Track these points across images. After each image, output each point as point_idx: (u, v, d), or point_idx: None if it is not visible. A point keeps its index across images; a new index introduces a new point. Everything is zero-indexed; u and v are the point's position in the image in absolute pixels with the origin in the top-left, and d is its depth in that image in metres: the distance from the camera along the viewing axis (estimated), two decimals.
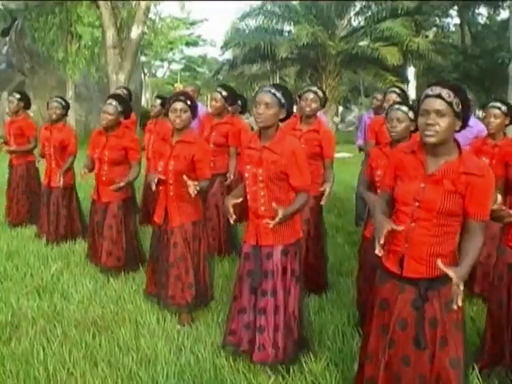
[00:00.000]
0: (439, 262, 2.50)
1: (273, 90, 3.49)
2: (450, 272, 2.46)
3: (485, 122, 4.87)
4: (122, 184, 5.24)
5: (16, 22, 22.61)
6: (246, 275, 3.70)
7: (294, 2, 26.58)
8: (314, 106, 4.95)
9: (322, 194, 4.90)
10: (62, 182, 6.45)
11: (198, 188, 4.11)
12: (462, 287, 2.44)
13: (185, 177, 4.15)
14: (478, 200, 2.60)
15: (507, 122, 4.73)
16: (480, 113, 26.68)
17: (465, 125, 2.68)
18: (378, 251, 2.69)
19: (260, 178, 3.56)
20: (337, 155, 7.66)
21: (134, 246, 5.80)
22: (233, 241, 6.25)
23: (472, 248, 2.63)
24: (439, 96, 2.59)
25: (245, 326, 3.70)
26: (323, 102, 5.06)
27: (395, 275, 2.82)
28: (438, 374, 2.71)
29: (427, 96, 2.64)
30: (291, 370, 3.62)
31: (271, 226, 3.35)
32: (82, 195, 7.44)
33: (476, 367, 3.52)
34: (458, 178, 2.61)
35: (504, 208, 3.01)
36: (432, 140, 2.61)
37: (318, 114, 5.18)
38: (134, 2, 17.93)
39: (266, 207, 3.58)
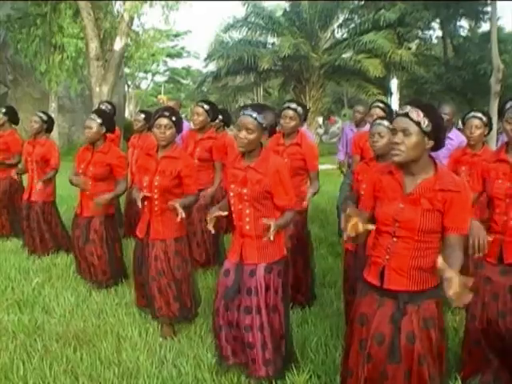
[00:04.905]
0: (440, 263, 2.41)
1: (254, 115, 3.42)
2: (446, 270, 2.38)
3: (465, 132, 4.90)
4: (106, 197, 5.25)
5: None
6: (222, 292, 3.68)
7: (280, 11, 26.71)
8: (293, 123, 4.89)
9: (306, 209, 4.93)
10: (39, 186, 6.58)
11: (182, 209, 4.13)
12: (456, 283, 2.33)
13: (173, 203, 4.16)
14: (455, 215, 2.61)
15: (486, 132, 4.80)
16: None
17: (439, 144, 2.68)
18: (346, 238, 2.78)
19: (245, 198, 3.54)
20: (320, 167, 7.65)
21: (118, 259, 5.80)
22: (219, 253, 6.21)
23: (455, 260, 2.53)
24: (407, 115, 2.61)
25: (225, 340, 3.70)
26: (304, 117, 5.01)
27: (375, 288, 2.82)
28: None
29: (397, 115, 2.68)
30: (274, 383, 3.60)
31: (271, 238, 3.34)
32: (64, 208, 7.38)
33: (458, 377, 3.53)
34: (435, 195, 2.63)
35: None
36: (397, 159, 2.64)
37: (303, 128, 5.17)
38: (118, 11, 17.90)
39: (250, 226, 3.57)
